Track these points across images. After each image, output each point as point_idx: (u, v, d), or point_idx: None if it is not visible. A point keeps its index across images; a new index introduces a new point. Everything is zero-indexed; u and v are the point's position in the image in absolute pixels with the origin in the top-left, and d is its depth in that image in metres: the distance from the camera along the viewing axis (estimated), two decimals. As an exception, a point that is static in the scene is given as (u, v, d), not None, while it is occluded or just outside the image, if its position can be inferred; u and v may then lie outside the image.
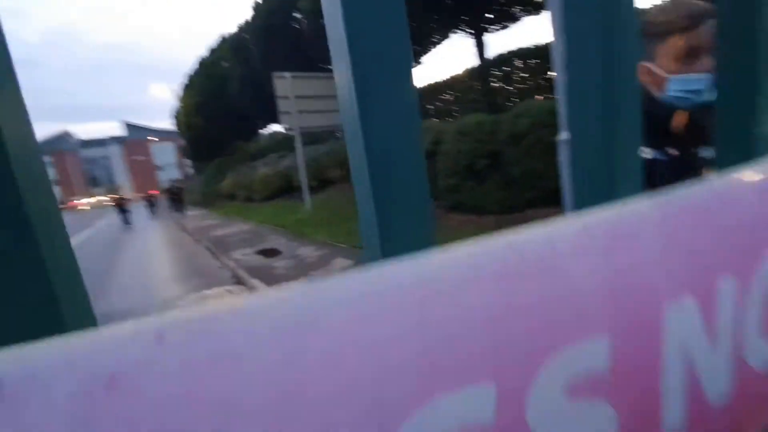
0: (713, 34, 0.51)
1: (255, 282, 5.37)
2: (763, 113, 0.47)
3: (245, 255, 7.25)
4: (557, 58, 3.46)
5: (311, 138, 15.32)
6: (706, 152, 1.01)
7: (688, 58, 0.93)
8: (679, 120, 1.00)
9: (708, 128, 1.02)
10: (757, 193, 0.34)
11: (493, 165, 5.78)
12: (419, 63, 14.85)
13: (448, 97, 10.17)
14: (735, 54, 0.45)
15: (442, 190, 6.52)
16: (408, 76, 0.27)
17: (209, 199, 22.33)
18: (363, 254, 0.30)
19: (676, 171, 0.92)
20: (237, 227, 11.36)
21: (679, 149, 1.01)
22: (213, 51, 23.54)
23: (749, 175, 0.35)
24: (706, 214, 0.29)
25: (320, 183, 11.63)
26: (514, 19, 11.61)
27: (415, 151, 0.28)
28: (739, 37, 0.45)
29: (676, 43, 0.94)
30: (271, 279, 5.37)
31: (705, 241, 0.28)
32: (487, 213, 5.97)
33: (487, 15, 11.38)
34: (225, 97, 21.04)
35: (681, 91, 0.96)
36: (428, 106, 10.72)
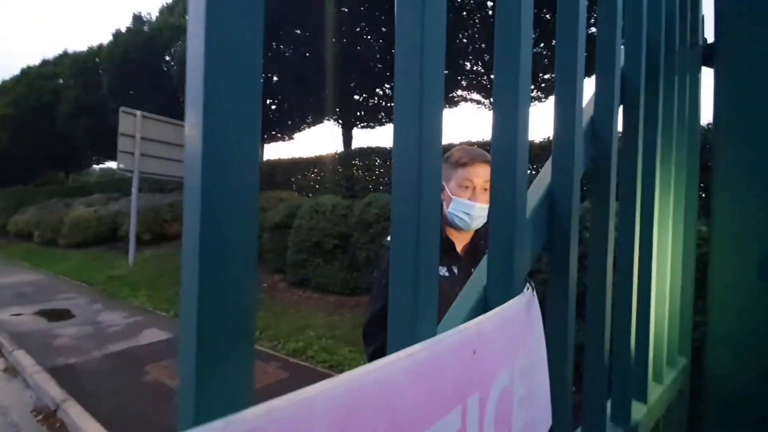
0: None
1: (19, 354, 4.07)
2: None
3: (18, 315, 5.56)
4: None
5: (156, 185, 13.68)
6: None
7: (466, 188, 1.20)
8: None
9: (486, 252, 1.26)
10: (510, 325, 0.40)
11: (341, 246, 5.97)
12: (292, 138, 15.33)
13: (311, 174, 10.49)
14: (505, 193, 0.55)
15: (289, 264, 6.36)
16: (255, 143, 0.25)
17: (-12, 234, 17.15)
18: (179, 337, 0.24)
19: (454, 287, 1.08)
20: (20, 276, 8.83)
21: (459, 268, 1.21)
22: (46, 63, 20.04)
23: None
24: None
25: (154, 236, 10.14)
26: (380, 122, 13.26)
27: (250, 218, 0.25)
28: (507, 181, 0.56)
29: (460, 174, 1.20)
30: (45, 350, 4.15)
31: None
32: (330, 292, 5.98)
33: (357, 113, 12.75)
34: (49, 118, 17.60)
35: (458, 211, 1.19)
36: (291, 179, 10.84)
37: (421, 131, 0.37)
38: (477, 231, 1.28)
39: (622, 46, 0.84)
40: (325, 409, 0.20)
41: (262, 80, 0.27)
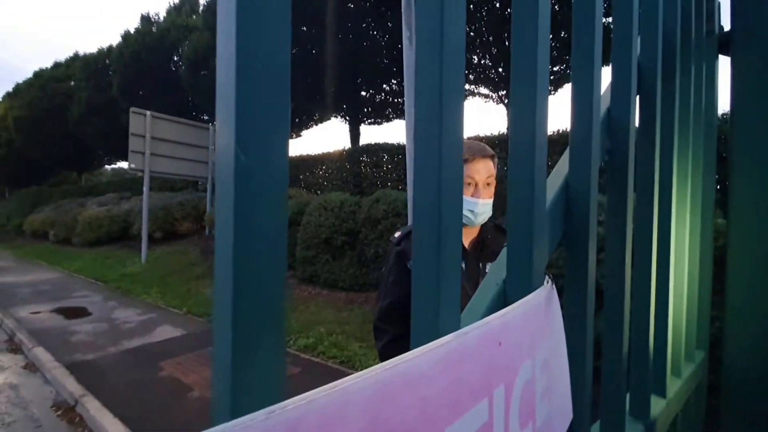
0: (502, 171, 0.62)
1: (38, 350, 4.16)
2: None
3: (37, 312, 5.68)
4: (409, 159, 3.99)
5: (167, 184, 13.83)
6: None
7: (468, 185, 1.16)
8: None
9: (493, 247, 1.25)
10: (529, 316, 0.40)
11: (350, 243, 5.99)
12: (300, 136, 15.39)
13: (319, 171, 10.53)
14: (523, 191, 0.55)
15: (298, 261, 6.40)
16: (284, 145, 0.25)
17: (7, 234, 17.54)
18: (213, 321, 0.25)
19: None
20: (37, 274, 9.01)
21: (467, 263, 1.20)
22: (58, 65, 20.33)
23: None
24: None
25: (165, 234, 10.26)
26: (388, 118, 13.23)
27: (281, 218, 0.25)
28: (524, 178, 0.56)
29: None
30: (63, 347, 4.24)
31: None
32: (339, 289, 6.01)
33: (364, 109, 12.74)
34: (62, 119, 17.88)
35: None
36: (299, 177, 10.87)
37: (441, 122, 0.36)
38: (483, 226, 1.27)
39: (638, 35, 0.83)
40: (360, 399, 0.21)
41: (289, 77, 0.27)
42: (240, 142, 0.22)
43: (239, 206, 0.23)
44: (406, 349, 0.27)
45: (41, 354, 4.05)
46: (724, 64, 1.36)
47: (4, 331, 5.02)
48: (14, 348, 4.47)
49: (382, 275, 1.33)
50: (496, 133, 7.07)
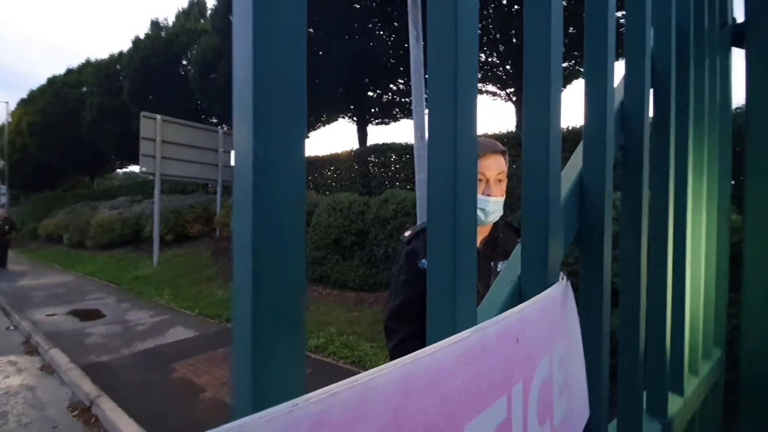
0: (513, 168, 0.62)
1: (54, 352, 4.24)
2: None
3: (51, 315, 5.79)
4: (417, 158, 3.98)
5: (177, 187, 13.99)
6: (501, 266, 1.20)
7: (479, 182, 1.14)
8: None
9: (505, 245, 1.24)
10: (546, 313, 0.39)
11: (359, 243, 6.00)
12: (308, 137, 15.46)
13: (327, 172, 10.57)
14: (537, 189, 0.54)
15: (308, 261, 6.43)
16: (301, 143, 0.26)
17: (22, 238, 17.89)
18: (233, 326, 0.25)
19: None
20: (52, 277, 9.18)
21: (478, 262, 1.19)
22: (71, 71, 20.70)
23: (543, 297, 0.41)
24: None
25: (176, 237, 10.38)
26: (395, 118, 13.23)
27: (299, 216, 0.25)
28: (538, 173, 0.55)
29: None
30: (78, 349, 4.31)
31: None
32: (349, 289, 6.02)
33: (371, 109, 12.75)
34: (75, 124, 18.19)
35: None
36: (308, 177, 10.92)
37: (456, 120, 0.36)
38: (495, 224, 1.25)
39: (651, 28, 0.82)
40: (382, 393, 0.21)
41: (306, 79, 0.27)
42: (258, 141, 0.23)
43: (258, 205, 0.23)
44: (418, 348, 0.27)
45: (57, 356, 4.12)
46: (737, 57, 1.33)
47: (21, 334, 5.12)
48: (31, 350, 4.55)
49: (392, 275, 1.33)
50: (504, 131, 7.02)
